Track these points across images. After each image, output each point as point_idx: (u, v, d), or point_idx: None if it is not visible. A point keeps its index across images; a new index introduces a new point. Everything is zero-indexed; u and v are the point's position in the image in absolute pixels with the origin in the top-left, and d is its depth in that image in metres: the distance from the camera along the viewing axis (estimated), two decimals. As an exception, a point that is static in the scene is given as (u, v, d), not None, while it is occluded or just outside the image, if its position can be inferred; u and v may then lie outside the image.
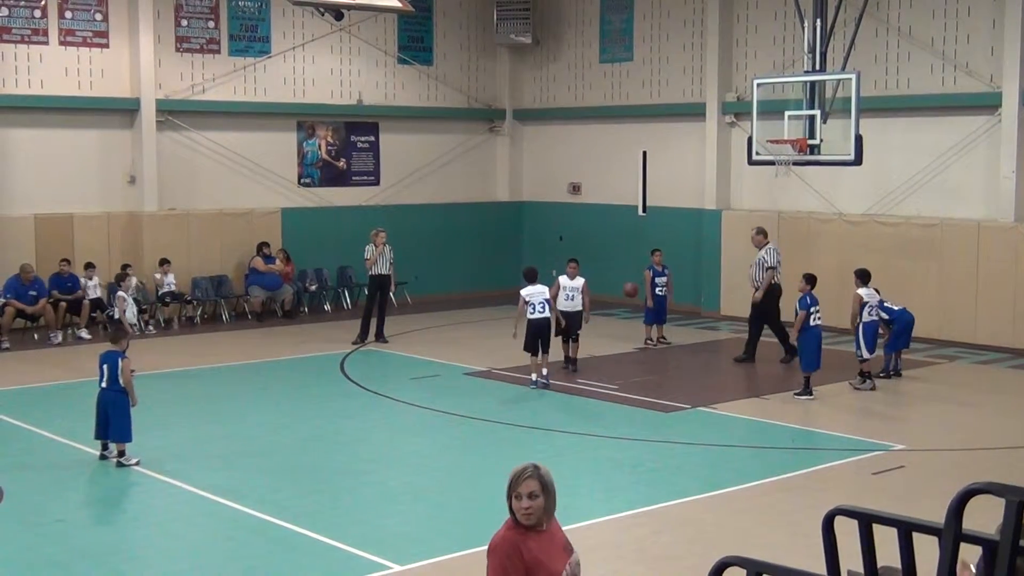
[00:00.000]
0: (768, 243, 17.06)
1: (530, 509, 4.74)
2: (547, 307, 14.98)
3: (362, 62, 23.35)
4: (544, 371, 15.10)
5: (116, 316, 15.97)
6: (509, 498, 4.79)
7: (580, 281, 15.88)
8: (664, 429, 13.03)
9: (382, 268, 18.60)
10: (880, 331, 15.77)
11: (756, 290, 16.83)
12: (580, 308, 15.90)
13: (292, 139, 22.68)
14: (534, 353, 15.08)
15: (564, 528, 9.79)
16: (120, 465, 11.14)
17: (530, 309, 15.01)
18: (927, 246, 18.81)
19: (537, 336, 15.06)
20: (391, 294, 19.48)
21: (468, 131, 25.15)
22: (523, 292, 15.22)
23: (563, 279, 15.96)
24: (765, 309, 16.79)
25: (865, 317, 14.95)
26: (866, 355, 14.92)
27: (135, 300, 18.31)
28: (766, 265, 16.75)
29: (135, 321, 16.23)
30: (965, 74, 18.62)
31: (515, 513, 4.77)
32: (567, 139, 24.79)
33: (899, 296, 16.70)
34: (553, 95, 25.00)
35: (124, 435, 11.22)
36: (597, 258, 21.94)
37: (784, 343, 16.68)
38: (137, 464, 11.12)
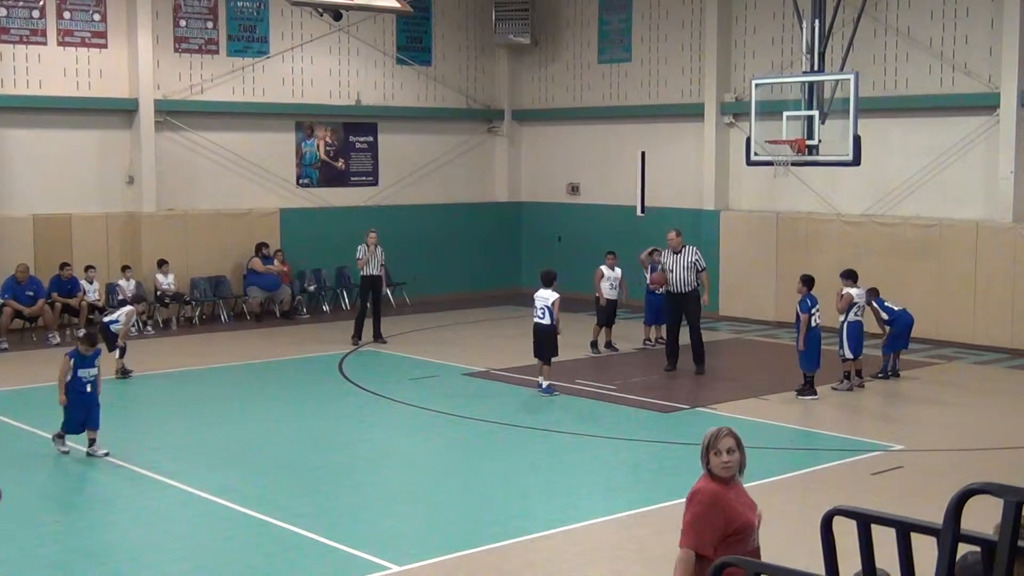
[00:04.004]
0: (685, 245, 16.51)
1: (729, 462, 5.34)
2: (547, 313, 14.87)
3: (361, 62, 23.36)
4: (545, 382, 14.81)
5: (118, 327, 15.72)
6: (706, 455, 5.36)
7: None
8: (664, 429, 13.04)
9: (374, 269, 18.59)
10: (881, 331, 15.82)
11: (685, 291, 16.26)
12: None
13: (291, 139, 22.68)
14: (538, 358, 15.03)
15: (565, 528, 9.86)
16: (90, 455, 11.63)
17: (535, 313, 15.00)
18: (925, 247, 18.82)
19: (536, 341, 15.00)
20: (388, 293, 19.46)
21: (467, 131, 25.15)
22: (535, 295, 15.18)
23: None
24: (697, 313, 16.44)
25: (851, 317, 14.96)
26: (849, 355, 14.91)
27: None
28: (701, 266, 16.28)
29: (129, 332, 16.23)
30: (963, 75, 18.63)
31: (713, 468, 5.35)
32: (566, 139, 24.80)
33: (898, 296, 16.71)
34: (552, 95, 25.01)
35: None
36: (596, 259, 21.91)
37: (697, 352, 16.27)
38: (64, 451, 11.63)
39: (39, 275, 18.90)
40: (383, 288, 19.12)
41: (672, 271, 16.27)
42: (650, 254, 18.48)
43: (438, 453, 12.22)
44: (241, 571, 8.51)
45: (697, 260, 16.22)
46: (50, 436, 11.96)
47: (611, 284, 17.75)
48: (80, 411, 11.59)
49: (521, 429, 13.07)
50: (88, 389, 11.66)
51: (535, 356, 15.02)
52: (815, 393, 14.46)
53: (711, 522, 5.22)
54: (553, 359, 14.97)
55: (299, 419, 13.61)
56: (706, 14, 21.77)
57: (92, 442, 11.62)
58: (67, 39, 19.97)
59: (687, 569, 5.24)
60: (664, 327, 18.44)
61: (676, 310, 16.35)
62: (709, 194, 21.90)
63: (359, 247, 18.66)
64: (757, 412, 13.79)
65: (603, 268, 17.89)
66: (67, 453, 11.65)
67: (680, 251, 16.24)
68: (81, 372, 11.63)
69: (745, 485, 10.78)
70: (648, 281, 17.99)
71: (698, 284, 16.26)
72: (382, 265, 18.76)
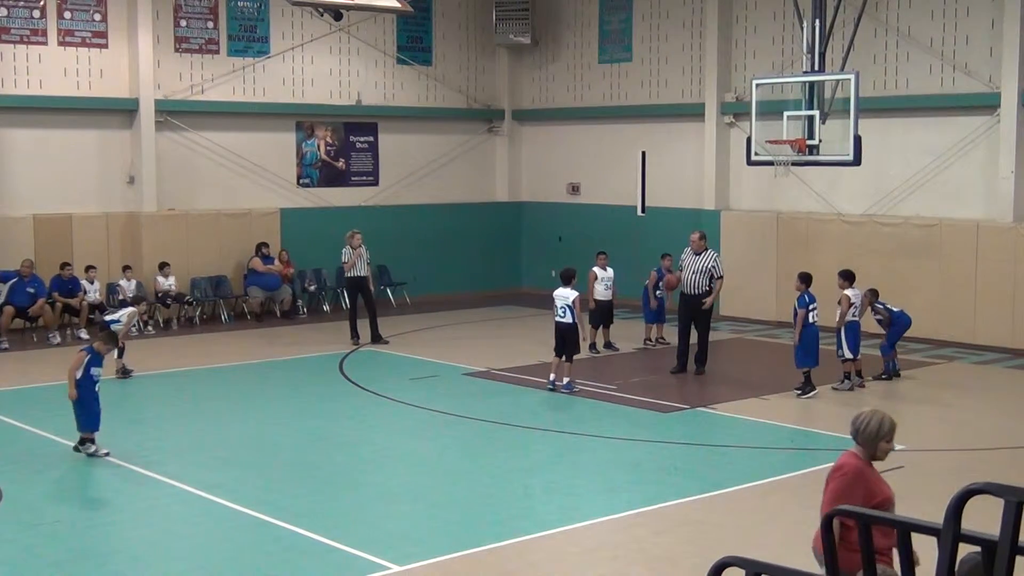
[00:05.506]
0: (707, 248, 16.43)
1: (892, 449, 6.17)
2: (568, 312, 14.90)
3: (361, 62, 23.36)
4: (565, 379, 14.94)
5: (118, 327, 15.66)
6: (875, 442, 6.04)
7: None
8: (664, 429, 13.04)
9: (360, 270, 18.54)
10: (884, 330, 15.87)
11: (699, 296, 16.13)
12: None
13: (291, 139, 22.68)
14: (557, 355, 15.06)
15: (563, 528, 9.85)
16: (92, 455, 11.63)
17: (555, 312, 15.04)
18: (926, 246, 18.82)
19: (558, 339, 15.00)
20: (388, 293, 19.40)
21: (467, 131, 25.16)
22: (554, 294, 15.22)
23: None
24: (708, 315, 16.32)
25: (849, 317, 14.97)
26: (848, 355, 14.92)
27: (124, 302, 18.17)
28: (717, 275, 16.12)
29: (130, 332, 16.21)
30: (964, 74, 18.63)
31: (879, 453, 6.06)
32: (566, 139, 24.80)
33: (898, 296, 16.72)
34: (552, 95, 25.01)
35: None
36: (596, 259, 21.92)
37: (701, 352, 16.26)
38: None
39: (40, 275, 18.88)
40: (370, 288, 18.98)
41: (687, 272, 16.16)
42: (662, 258, 18.48)
43: (438, 453, 12.22)
44: (241, 571, 8.51)
45: (714, 267, 16.09)
46: (61, 439, 11.95)
47: (605, 285, 17.77)
48: (96, 406, 11.57)
49: (521, 429, 13.07)
50: (98, 388, 11.65)
51: (556, 355, 15.01)
52: (814, 388, 14.47)
53: (853, 494, 5.73)
54: (575, 356, 15.09)
55: (299, 419, 13.61)
56: (706, 14, 21.77)
57: (91, 441, 11.62)
58: (67, 39, 19.98)
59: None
60: (664, 327, 18.54)
61: (688, 312, 16.21)
62: (709, 194, 21.89)
63: (343, 250, 18.60)
64: (757, 412, 13.79)
65: (595, 269, 17.85)
66: (108, 455, 11.52)
67: (700, 254, 16.14)
68: (94, 370, 11.58)
69: (744, 485, 10.93)
70: (662, 283, 17.93)
71: (710, 289, 16.14)
72: (368, 265, 18.72)
